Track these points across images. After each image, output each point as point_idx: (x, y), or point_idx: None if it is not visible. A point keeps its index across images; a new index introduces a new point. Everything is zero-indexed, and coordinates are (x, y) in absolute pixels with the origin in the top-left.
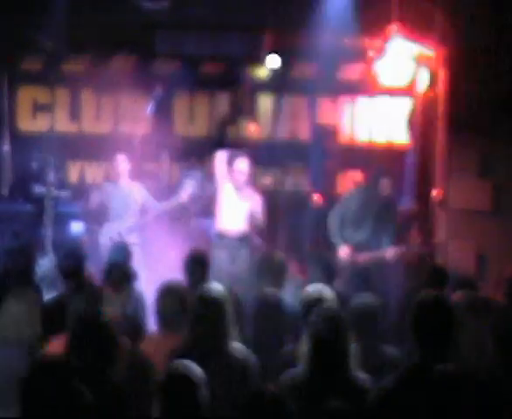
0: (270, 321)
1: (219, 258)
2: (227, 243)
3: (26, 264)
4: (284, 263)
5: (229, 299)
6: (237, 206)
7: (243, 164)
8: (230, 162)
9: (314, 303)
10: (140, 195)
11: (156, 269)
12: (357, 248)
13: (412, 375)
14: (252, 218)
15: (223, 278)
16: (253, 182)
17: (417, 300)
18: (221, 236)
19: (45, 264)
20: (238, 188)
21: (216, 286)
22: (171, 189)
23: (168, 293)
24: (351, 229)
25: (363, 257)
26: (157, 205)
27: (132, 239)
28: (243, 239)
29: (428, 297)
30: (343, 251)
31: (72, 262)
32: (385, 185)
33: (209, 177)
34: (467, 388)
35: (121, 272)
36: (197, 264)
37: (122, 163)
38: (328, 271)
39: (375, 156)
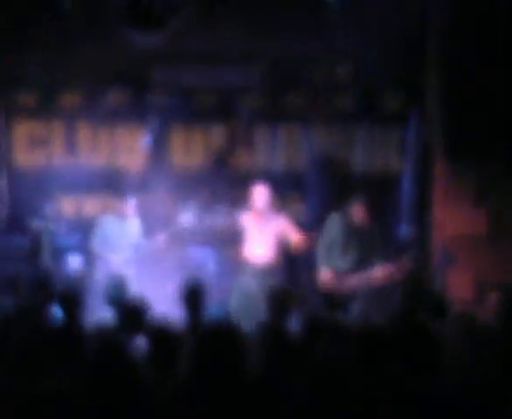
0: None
1: (247, 284)
2: (253, 272)
3: None
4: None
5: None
6: (261, 235)
7: (260, 192)
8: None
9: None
10: (136, 230)
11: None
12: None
13: None
14: (283, 241)
15: (250, 304)
16: (277, 206)
17: None
18: (247, 265)
19: None
20: (260, 217)
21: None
22: (168, 221)
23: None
24: (338, 257)
25: (350, 281)
26: (144, 243)
27: (128, 272)
28: (268, 269)
29: None
30: (325, 276)
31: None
32: (358, 212)
33: (206, 208)
34: None
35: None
36: (194, 295)
37: (132, 206)
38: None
39: (371, 184)
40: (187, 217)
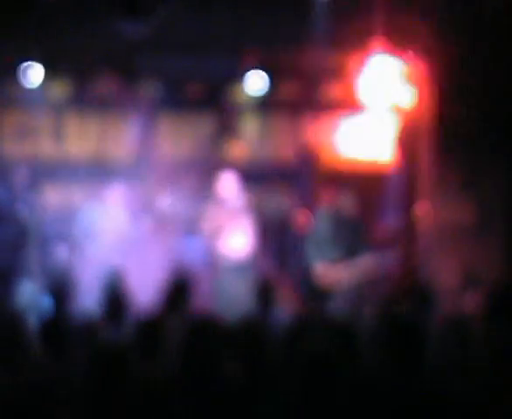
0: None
1: (222, 282)
2: (231, 268)
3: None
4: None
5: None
6: (234, 228)
7: (227, 180)
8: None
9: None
10: (120, 219)
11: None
12: None
13: None
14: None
15: (227, 302)
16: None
17: None
18: (225, 261)
19: (29, 290)
20: (228, 208)
21: None
22: (153, 210)
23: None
24: (327, 249)
25: (340, 271)
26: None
27: (113, 261)
28: (247, 263)
29: None
30: (322, 270)
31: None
32: (345, 203)
33: (193, 197)
34: None
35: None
36: (177, 287)
37: (117, 195)
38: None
39: (360, 175)
40: (173, 205)
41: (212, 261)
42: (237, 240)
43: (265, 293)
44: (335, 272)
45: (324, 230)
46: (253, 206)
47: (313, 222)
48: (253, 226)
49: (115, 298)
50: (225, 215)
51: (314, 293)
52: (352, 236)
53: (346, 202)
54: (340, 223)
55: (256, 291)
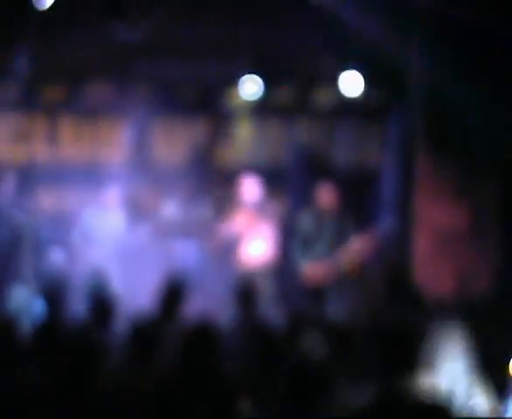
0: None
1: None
2: (250, 273)
3: None
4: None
5: None
6: (256, 234)
7: (249, 185)
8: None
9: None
10: (118, 223)
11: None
12: None
13: None
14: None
15: None
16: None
17: None
18: (244, 269)
19: (22, 294)
20: (251, 214)
21: None
22: (151, 214)
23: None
24: (312, 247)
25: (328, 266)
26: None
27: (109, 265)
28: (266, 270)
29: None
30: (309, 269)
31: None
32: (323, 196)
33: (189, 201)
34: None
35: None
36: (173, 291)
37: (114, 198)
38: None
39: (354, 178)
40: (170, 210)
41: (211, 265)
42: (257, 246)
43: (247, 295)
44: (322, 269)
45: (308, 229)
46: (277, 212)
47: (297, 225)
48: (274, 232)
49: (101, 299)
50: (247, 220)
51: (305, 294)
52: (337, 233)
53: (329, 199)
54: (324, 221)
55: (238, 293)
